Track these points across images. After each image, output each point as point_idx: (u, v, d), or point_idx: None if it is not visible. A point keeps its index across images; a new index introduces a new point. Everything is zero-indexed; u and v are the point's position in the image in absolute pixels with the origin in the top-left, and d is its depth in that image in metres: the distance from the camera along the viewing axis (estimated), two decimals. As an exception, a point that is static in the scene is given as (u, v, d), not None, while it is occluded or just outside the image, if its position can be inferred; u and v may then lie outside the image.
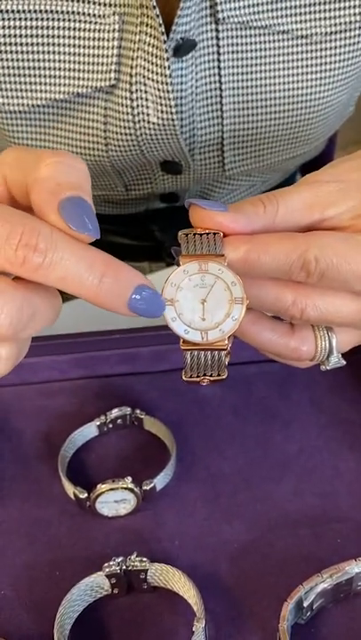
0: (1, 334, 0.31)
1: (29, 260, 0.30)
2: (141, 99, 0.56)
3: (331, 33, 0.57)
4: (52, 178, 0.32)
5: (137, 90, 0.56)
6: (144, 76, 0.55)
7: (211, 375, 0.36)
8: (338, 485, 0.50)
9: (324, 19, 0.57)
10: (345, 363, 0.40)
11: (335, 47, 0.58)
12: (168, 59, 0.54)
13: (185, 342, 0.36)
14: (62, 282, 0.31)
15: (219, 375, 0.36)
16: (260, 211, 0.37)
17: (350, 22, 0.57)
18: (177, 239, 0.37)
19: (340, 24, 0.57)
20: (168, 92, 0.55)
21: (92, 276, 0.32)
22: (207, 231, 0.36)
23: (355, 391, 0.56)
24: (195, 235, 0.36)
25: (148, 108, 0.57)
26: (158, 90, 0.55)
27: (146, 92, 0.56)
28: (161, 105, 0.56)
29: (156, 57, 0.54)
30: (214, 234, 0.36)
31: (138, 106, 0.57)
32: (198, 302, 0.35)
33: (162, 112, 0.57)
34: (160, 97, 0.56)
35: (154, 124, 0.57)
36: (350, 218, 0.37)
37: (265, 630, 0.42)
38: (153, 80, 0.55)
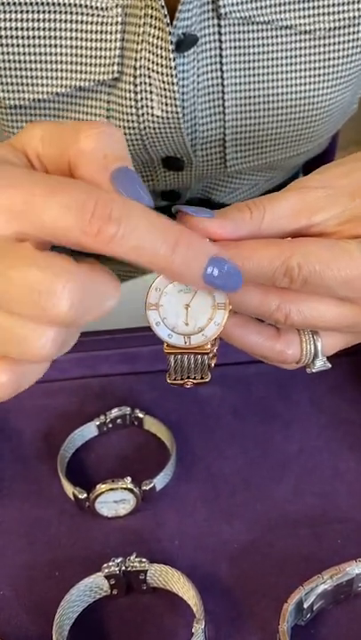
0: (60, 317, 0.29)
1: (104, 231, 0.29)
2: (145, 91, 0.56)
3: (335, 28, 0.57)
4: (98, 149, 0.31)
5: (141, 82, 0.56)
6: (148, 69, 0.55)
7: (194, 378, 0.37)
8: (338, 485, 0.50)
9: (328, 14, 0.56)
10: (330, 366, 0.41)
11: (339, 43, 0.58)
12: (173, 50, 0.54)
13: (168, 346, 0.36)
14: (135, 251, 0.30)
15: (202, 378, 0.37)
16: (247, 217, 0.37)
17: (354, 17, 0.57)
18: None
19: (344, 19, 0.57)
20: (173, 84, 0.55)
21: (166, 245, 0.30)
22: None
23: (355, 391, 0.55)
24: None
25: (152, 100, 0.56)
26: (163, 82, 0.55)
27: (150, 84, 0.56)
28: (165, 97, 0.56)
29: (161, 49, 0.54)
30: None
31: (142, 99, 0.56)
32: (182, 307, 0.36)
33: (166, 105, 0.56)
34: (165, 89, 0.56)
35: (158, 117, 0.57)
36: (337, 224, 0.38)
37: (265, 631, 0.42)
38: (158, 72, 0.55)
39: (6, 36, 0.55)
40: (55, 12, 0.54)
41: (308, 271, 0.36)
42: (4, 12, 0.54)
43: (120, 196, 0.30)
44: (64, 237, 0.30)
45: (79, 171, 0.32)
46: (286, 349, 0.40)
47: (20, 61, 0.56)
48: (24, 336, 0.30)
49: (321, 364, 0.41)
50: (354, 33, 0.58)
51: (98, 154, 0.31)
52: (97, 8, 0.54)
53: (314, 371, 0.41)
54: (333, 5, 0.56)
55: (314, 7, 0.56)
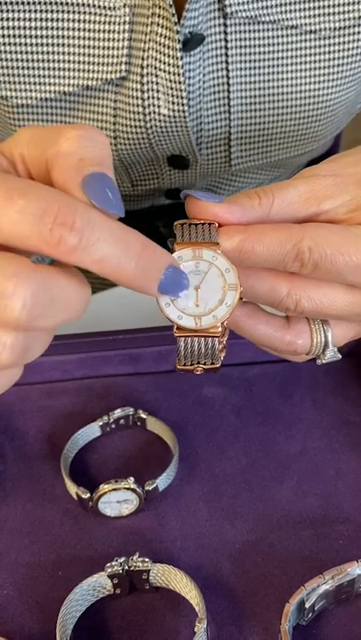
0: (12, 319, 0.29)
1: (65, 241, 0.28)
2: (152, 90, 0.56)
3: (340, 28, 0.57)
4: (75, 153, 0.31)
5: (148, 81, 0.56)
6: (155, 67, 0.55)
7: (205, 363, 0.36)
8: (340, 486, 0.50)
9: (334, 14, 0.56)
10: (341, 357, 0.40)
11: (344, 42, 0.58)
12: (180, 50, 0.54)
13: (178, 329, 0.35)
14: (98, 265, 0.30)
15: (213, 364, 0.36)
16: (256, 203, 0.37)
17: (360, 17, 0.57)
18: None
19: (350, 19, 0.57)
20: (180, 82, 0.55)
21: (130, 258, 0.30)
22: (202, 221, 0.37)
23: (357, 392, 0.56)
24: (190, 224, 0.37)
25: (158, 99, 0.57)
26: (170, 81, 0.55)
27: (157, 83, 0.56)
28: (172, 96, 0.56)
29: (169, 48, 0.54)
30: (209, 224, 0.36)
31: (149, 97, 0.57)
32: (192, 288, 0.35)
33: (173, 103, 0.57)
34: (171, 88, 0.56)
35: (164, 115, 0.57)
36: (346, 211, 0.38)
37: (267, 631, 0.42)
38: (164, 71, 0.55)
39: (14, 35, 0.55)
40: (63, 11, 0.54)
41: (319, 255, 0.36)
42: (12, 10, 0.54)
43: (85, 205, 0.30)
44: (23, 244, 0.29)
45: (53, 173, 0.31)
46: (296, 339, 0.39)
47: (27, 60, 0.56)
48: None
49: (332, 354, 0.40)
50: (359, 33, 0.58)
51: (73, 157, 0.31)
52: (105, 7, 0.54)
53: (324, 362, 0.41)
54: (339, 5, 0.56)
55: (319, 7, 0.56)
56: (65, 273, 0.30)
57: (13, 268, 0.29)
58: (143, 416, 0.53)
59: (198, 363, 0.36)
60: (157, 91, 0.56)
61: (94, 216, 0.29)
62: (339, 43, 0.58)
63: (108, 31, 0.55)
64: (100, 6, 0.54)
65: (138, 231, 0.31)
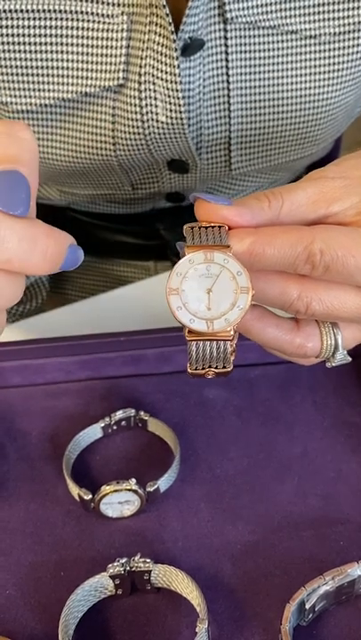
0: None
1: None
2: (150, 97, 0.57)
3: (340, 33, 0.57)
4: None
5: (146, 89, 0.56)
6: (153, 75, 0.56)
7: (216, 367, 0.36)
8: (341, 488, 0.50)
9: (333, 19, 0.57)
10: (351, 359, 0.40)
11: (344, 47, 0.58)
12: (177, 58, 0.54)
13: (190, 332, 0.35)
14: (7, 264, 0.31)
15: (224, 367, 0.36)
16: (265, 206, 0.37)
17: (359, 23, 0.57)
18: (183, 238, 0.38)
19: (350, 24, 0.57)
20: (177, 90, 0.56)
21: (35, 253, 0.31)
22: (212, 224, 0.36)
23: (358, 393, 0.56)
24: (200, 227, 0.37)
25: (156, 107, 0.57)
26: (167, 89, 0.56)
27: (155, 90, 0.56)
28: (170, 104, 0.56)
29: (166, 56, 0.54)
30: (219, 227, 0.36)
31: (146, 105, 0.57)
32: (204, 292, 0.35)
33: (170, 111, 0.57)
34: (169, 96, 0.56)
35: (162, 122, 0.57)
36: (355, 214, 0.38)
37: (267, 631, 0.43)
38: (162, 79, 0.55)
39: (14, 42, 0.55)
40: (62, 19, 0.54)
41: (331, 257, 0.36)
42: (12, 18, 0.54)
43: None
44: None
45: None
46: (306, 342, 0.39)
47: (26, 67, 0.57)
48: None
49: (341, 357, 0.40)
50: (358, 38, 0.58)
51: None
52: (103, 15, 0.54)
53: (334, 365, 0.40)
54: (338, 11, 0.56)
55: (319, 12, 0.56)
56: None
57: None
58: (145, 417, 0.53)
59: (210, 366, 0.36)
60: (155, 98, 0.56)
61: None
62: (339, 48, 0.58)
63: (107, 39, 0.55)
64: (98, 14, 0.54)
65: (39, 219, 0.32)
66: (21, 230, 0.31)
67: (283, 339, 0.39)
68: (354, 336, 0.40)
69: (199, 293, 0.35)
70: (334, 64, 0.59)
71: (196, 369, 0.36)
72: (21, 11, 0.54)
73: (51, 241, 0.32)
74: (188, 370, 0.36)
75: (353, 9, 0.56)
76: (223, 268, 0.36)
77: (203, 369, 0.36)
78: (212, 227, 0.36)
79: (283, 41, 0.58)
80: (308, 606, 0.41)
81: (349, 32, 0.58)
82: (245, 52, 0.58)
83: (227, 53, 0.57)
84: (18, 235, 0.31)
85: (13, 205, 0.31)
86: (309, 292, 0.37)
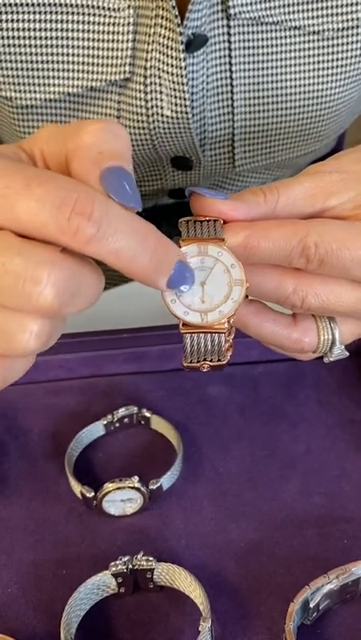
0: (44, 308, 0.29)
1: (82, 230, 0.28)
2: (155, 92, 0.56)
3: (343, 29, 0.57)
4: (95, 146, 0.31)
5: (151, 83, 0.56)
6: (159, 69, 0.55)
7: (211, 360, 0.36)
8: (345, 486, 0.50)
9: (337, 14, 0.56)
10: (348, 354, 0.40)
11: (347, 43, 0.58)
12: (183, 51, 0.54)
13: (185, 325, 0.35)
14: (114, 256, 0.30)
15: (219, 360, 0.36)
16: (261, 200, 0.37)
17: None
18: None
19: (353, 20, 0.57)
20: (183, 84, 0.55)
21: (145, 251, 0.30)
22: (207, 218, 0.37)
23: (362, 391, 0.56)
24: (195, 221, 0.37)
25: (162, 101, 0.57)
26: (173, 82, 0.55)
27: (160, 84, 0.56)
28: (175, 98, 0.56)
29: (172, 49, 0.54)
30: (214, 220, 0.36)
31: (152, 99, 0.57)
32: (198, 284, 0.35)
33: (176, 105, 0.57)
34: (174, 89, 0.56)
35: (167, 117, 0.57)
36: (352, 208, 0.38)
37: (271, 630, 0.42)
38: (168, 73, 0.55)
39: (18, 37, 0.55)
40: (67, 12, 0.54)
41: (325, 250, 0.35)
42: (17, 12, 0.54)
43: (103, 196, 0.30)
44: (40, 233, 0.29)
45: (72, 165, 0.31)
46: (303, 337, 0.39)
47: (31, 61, 0.56)
48: (9, 331, 0.30)
49: (339, 352, 0.40)
50: None
51: (93, 149, 0.31)
52: (109, 9, 0.54)
53: (332, 360, 0.40)
54: (342, 6, 0.56)
55: (323, 8, 0.56)
56: (86, 262, 0.31)
57: (47, 255, 0.29)
58: (147, 415, 0.53)
59: (205, 360, 0.36)
60: (160, 92, 0.56)
61: (112, 207, 0.29)
62: (342, 43, 0.58)
63: (112, 32, 0.55)
64: (104, 8, 0.54)
65: (153, 225, 0.31)
66: (135, 224, 0.30)
67: (280, 333, 0.39)
68: (351, 331, 0.40)
69: (193, 286, 0.35)
70: (338, 60, 0.59)
71: (191, 362, 0.36)
72: (26, 4, 0.54)
73: (161, 245, 0.31)
74: (183, 363, 0.36)
75: (357, 4, 0.56)
76: (217, 261, 0.36)
77: (198, 362, 0.36)
78: (208, 220, 0.37)
79: (286, 37, 0.57)
80: (312, 605, 0.41)
81: (353, 27, 0.57)
82: (249, 48, 0.58)
83: (230, 49, 0.57)
84: (131, 228, 0.30)
85: (128, 199, 0.30)
86: (305, 285, 0.37)
